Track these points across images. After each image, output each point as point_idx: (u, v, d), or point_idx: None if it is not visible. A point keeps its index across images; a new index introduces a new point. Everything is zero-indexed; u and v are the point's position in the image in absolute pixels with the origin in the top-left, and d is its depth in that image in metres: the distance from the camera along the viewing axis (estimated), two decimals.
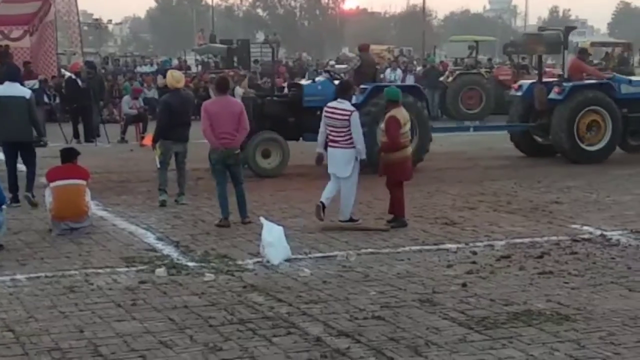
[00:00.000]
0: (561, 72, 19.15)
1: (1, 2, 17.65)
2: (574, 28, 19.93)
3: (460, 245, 9.66)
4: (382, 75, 26.93)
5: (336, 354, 6.14)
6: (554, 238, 10.04)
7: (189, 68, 38.48)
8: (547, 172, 15.61)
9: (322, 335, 6.54)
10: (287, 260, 8.87)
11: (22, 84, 12.96)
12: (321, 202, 10.57)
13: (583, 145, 16.73)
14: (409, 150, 10.75)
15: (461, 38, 41.13)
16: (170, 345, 6.33)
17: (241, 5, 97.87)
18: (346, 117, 10.36)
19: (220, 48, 39.10)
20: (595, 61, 34.39)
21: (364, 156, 10.53)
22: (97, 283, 8.06)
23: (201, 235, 10.25)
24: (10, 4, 17.83)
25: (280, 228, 9.13)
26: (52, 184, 10.50)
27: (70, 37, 19.82)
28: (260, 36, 71.26)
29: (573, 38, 25.82)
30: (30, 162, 12.33)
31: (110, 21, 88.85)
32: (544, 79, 17.93)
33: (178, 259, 9.05)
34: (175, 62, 42.57)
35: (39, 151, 12.85)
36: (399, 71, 31.49)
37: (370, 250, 9.47)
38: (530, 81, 18.23)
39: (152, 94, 26.08)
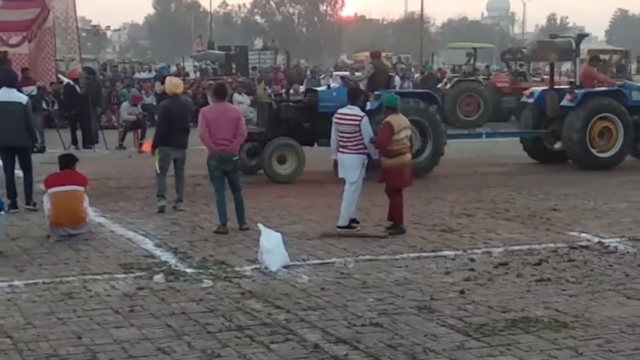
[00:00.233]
0: (573, 80, 19.21)
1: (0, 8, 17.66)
2: (586, 35, 20.04)
3: (458, 252, 9.66)
4: None
5: None
6: (552, 245, 10.04)
7: (187, 74, 38.50)
8: (545, 179, 15.63)
9: (320, 342, 6.54)
10: (285, 266, 8.86)
11: (19, 90, 12.99)
12: (338, 226, 10.68)
13: (594, 152, 16.88)
14: (407, 157, 10.74)
15: (459, 45, 41.15)
16: (168, 351, 6.32)
17: (239, 12, 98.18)
18: (356, 123, 10.53)
19: (219, 54, 39.13)
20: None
21: (377, 156, 10.71)
22: (95, 289, 8.06)
23: (199, 241, 10.25)
24: (8, 10, 17.82)
25: (279, 235, 9.13)
26: (50, 190, 10.50)
27: (68, 43, 19.78)
28: (259, 43, 71.39)
29: None
30: (27, 168, 12.37)
31: (108, 27, 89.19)
32: (544, 86, 18.02)
33: (176, 266, 9.05)
34: (173, 68, 42.59)
35: (37, 157, 12.86)
36: (397, 78, 31.51)
37: (368, 257, 9.47)
38: (542, 88, 18.43)
39: (151, 100, 26.09)
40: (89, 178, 11.29)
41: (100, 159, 18.54)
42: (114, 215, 11.94)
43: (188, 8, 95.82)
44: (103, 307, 7.49)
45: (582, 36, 19.13)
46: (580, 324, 6.97)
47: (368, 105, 14.22)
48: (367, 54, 23.83)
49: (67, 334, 6.72)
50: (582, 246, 9.96)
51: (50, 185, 10.58)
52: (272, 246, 8.89)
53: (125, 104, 22.37)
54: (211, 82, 25.72)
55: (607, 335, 6.70)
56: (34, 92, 18.32)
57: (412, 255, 9.57)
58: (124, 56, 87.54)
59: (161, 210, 12.08)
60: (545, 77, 33.77)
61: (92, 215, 11.33)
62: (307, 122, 15.75)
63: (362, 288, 8.14)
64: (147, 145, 16.99)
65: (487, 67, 39.84)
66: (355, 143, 10.58)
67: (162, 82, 21.64)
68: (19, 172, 12.45)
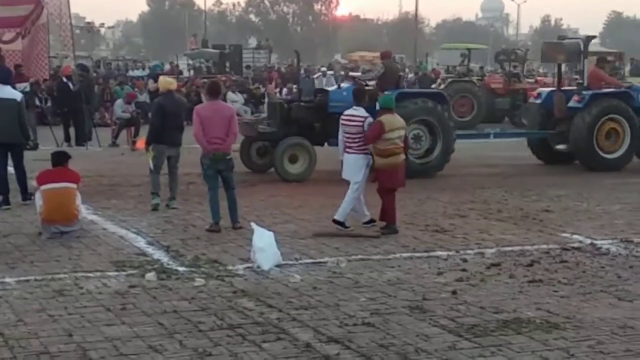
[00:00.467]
0: (580, 81, 19.23)
1: None
2: (594, 37, 20.10)
3: (450, 253, 9.67)
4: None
5: None
6: (544, 246, 10.06)
7: (181, 73, 38.43)
8: (538, 180, 15.67)
9: (312, 341, 6.54)
10: (278, 265, 8.86)
11: (13, 87, 12.97)
12: (334, 220, 10.76)
13: (602, 153, 16.97)
14: (400, 157, 10.74)
15: (453, 46, 41.23)
16: (159, 350, 6.31)
17: (234, 10, 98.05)
18: (360, 124, 10.65)
19: (213, 53, 39.11)
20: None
21: None
22: (87, 287, 8.04)
23: (192, 240, 10.23)
24: (2, 7, 17.79)
25: (271, 234, 9.12)
26: (43, 187, 10.47)
27: (62, 40, 19.78)
28: (253, 41, 71.30)
29: None
30: (19, 164, 12.36)
31: (102, 25, 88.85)
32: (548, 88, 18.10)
33: (168, 264, 9.03)
34: (167, 66, 42.52)
35: (29, 154, 12.85)
36: None
37: (360, 256, 9.47)
38: (550, 89, 18.56)
39: (144, 98, 26.04)
40: (82, 175, 11.26)
41: (93, 156, 18.51)
42: (107, 213, 11.92)
43: (182, 6, 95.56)
44: (94, 304, 7.47)
45: (590, 38, 19.19)
46: (571, 325, 6.98)
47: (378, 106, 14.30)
48: (362, 53, 23.96)
49: (58, 332, 6.70)
50: (574, 247, 9.98)
51: (42, 182, 10.55)
52: (264, 245, 8.89)
53: (119, 102, 22.33)
54: (205, 80, 25.68)
55: (598, 336, 6.71)
56: (27, 89, 18.28)
57: (404, 255, 9.57)
58: (118, 53, 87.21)
59: (154, 208, 12.05)
60: (539, 78, 33.91)
61: (85, 212, 11.31)
62: (317, 122, 15.88)
63: (354, 288, 8.14)
64: (140, 142, 16.97)
65: (482, 68, 39.84)
66: (359, 143, 10.72)
67: (156, 80, 21.61)
68: (11, 169, 12.43)
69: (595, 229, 11.17)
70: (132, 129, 21.21)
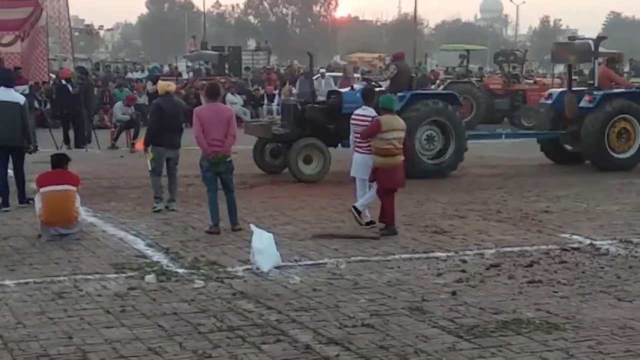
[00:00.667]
0: (590, 81, 19.26)
1: None
2: (604, 38, 20.13)
3: (450, 254, 9.67)
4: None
5: None
6: (544, 247, 10.06)
7: (180, 75, 38.43)
8: (537, 181, 15.67)
9: (312, 342, 6.53)
10: (277, 267, 8.86)
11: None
12: (354, 206, 10.96)
13: (613, 153, 17.03)
14: (399, 158, 10.74)
15: (452, 47, 41.23)
16: (159, 352, 6.31)
17: (233, 12, 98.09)
18: (368, 123, 10.78)
19: (212, 55, 39.09)
20: (586, 71, 34.49)
21: None
22: (86, 289, 8.04)
23: (191, 242, 10.23)
24: (0, 9, 17.78)
25: (270, 235, 9.12)
26: (42, 190, 10.47)
27: (61, 42, 19.77)
28: (252, 43, 71.31)
29: None
30: (19, 167, 12.36)
31: (101, 27, 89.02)
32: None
33: (168, 266, 9.03)
34: (166, 68, 42.52)
35: (29, 157, 12.85)
36: None
37: (360, 258, 9.47)
38: (561, 89, 18.64)
39: (143, 100, 26.05)
40: (81, 178, 11.26)
41: (92, 158, 18.50)
42: (106, 215, 11.92)
43: (181, 8, 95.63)
44: (94, 307, 7.47)
45: (600, 39, 19.20)
46: (571, 326, 6.98)
47: None
48: (361, 54, 23.92)
49: (57, 334, 6.70)
50: (573, 248, 9.98)
51: (42, 185, 10.55)
52: (264, 247, 8.88)
53: (119, 104, 22.33)
54: (204, 82, 25.68)
55: (598, 337, 6.71)
56: (26, 91, 18.26)
57: (404, 256, 9.57)
58: (117, 56, 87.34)
59: (157, 211, 12.05)
60: (538, 79, 33.92)
61: (84, 215, 11.30)
62: (331, 123, 15.91)
63: (353, 289, 8.14)
64: (139, 144, 17.00)
65: (481, 69, 39.89)
66: (366, 143, 10.83)
67: (154, 82, 21.62)
68: (10, 172, 12.44)
69: (595, 229, 11.17)
70: (131, 131, 21.22)
